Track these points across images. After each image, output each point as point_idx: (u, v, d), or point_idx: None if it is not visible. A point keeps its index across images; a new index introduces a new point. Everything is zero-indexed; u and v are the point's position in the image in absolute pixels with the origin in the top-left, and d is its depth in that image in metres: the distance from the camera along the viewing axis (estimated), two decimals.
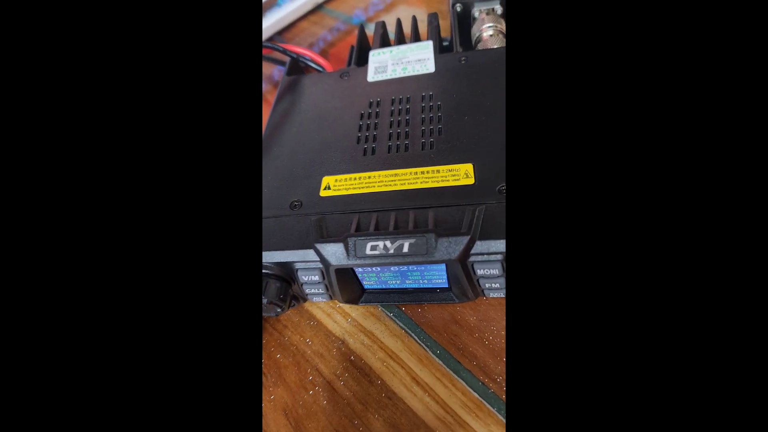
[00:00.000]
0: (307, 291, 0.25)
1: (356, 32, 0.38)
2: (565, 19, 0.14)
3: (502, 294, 0.24)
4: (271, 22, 0.45)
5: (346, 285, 0.24)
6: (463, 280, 0.22)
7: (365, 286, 0.26)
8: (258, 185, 0.21)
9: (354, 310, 0.27)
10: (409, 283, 0.25)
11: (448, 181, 0.24)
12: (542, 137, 0.14)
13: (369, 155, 0.26)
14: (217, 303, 0.14)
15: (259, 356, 0.25)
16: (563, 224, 0.13)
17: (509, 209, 0.14)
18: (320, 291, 0.24)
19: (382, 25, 0.36)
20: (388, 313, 0.26)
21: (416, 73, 0.30)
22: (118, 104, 0.14)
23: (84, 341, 0.13)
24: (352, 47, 0.37)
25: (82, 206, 0.14)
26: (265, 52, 0.38)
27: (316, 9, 0.49)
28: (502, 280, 0.22)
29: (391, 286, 0.25)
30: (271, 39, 0.47)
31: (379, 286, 0.25)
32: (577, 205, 0.13)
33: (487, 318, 0.25)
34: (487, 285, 0.23)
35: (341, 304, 0.27)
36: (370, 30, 0.44)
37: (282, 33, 0.47)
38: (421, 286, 0.25)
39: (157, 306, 0.14)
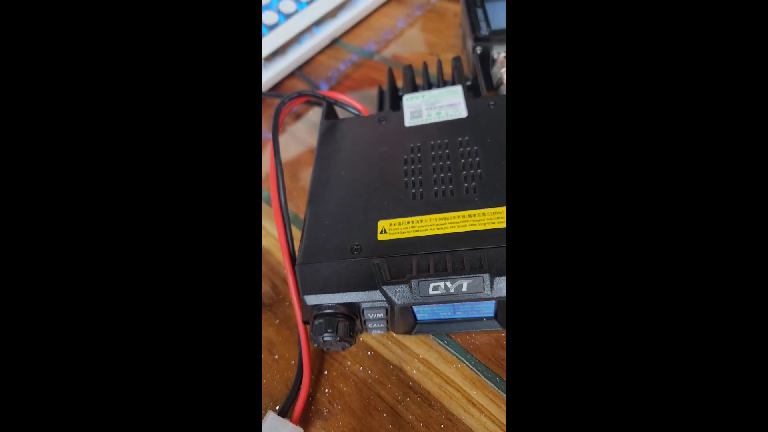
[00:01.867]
0: (369, 326, 0.27)
1: (367, 63, 0.41)
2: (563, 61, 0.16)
3: None
4: (293, 58, 0.48)
5: (404, 319, 0.27)
6: None
7: (418, 318, 0.28)
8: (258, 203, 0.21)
9: (407, 340, 0.29)
10: (459, 314, 0.28)
11: (493, 223, 0.27)
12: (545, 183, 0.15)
13: (418, 199, 0.29)
14: (218, 302, 0.15)
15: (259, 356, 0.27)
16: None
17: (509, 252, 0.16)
18: (381, 325, 0.27)
19: (410, 68, 0.39)
20: (440, 341, 0.29)
21: (450, 117, 0.33)
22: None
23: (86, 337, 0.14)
24: (380, 88, 0.40)
25: (83, 218, 0.14)
26: (303, 99, 0.40)
27: (333, 43, 0.52)
28: None
29: (442, 317, 0.28)
30: (292, 74, 0.49)
31: (431, 317, 0.28)
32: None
33: None
34: None
35: (395, 335, 0.30)
36: (375, 59, 0.49)
37: (302, 68, 0.50)
38: (470, 316, 0.28)
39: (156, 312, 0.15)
